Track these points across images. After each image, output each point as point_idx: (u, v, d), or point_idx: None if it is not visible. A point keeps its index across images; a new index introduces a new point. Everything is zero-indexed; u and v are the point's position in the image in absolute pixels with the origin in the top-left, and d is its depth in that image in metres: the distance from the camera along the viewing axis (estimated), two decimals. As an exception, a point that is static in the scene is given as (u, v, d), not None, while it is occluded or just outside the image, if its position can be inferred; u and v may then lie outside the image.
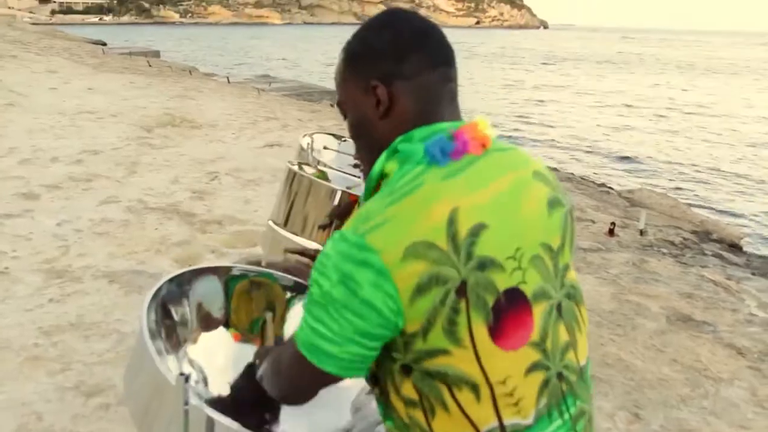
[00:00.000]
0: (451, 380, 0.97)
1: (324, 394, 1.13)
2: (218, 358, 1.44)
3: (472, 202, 0.98)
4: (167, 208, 5.55)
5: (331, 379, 1.03)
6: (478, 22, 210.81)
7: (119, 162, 7.01)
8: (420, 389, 0.99)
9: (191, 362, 1.35)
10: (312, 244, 2.87)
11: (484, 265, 0.96)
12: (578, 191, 8.34)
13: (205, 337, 1.44)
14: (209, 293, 1.46)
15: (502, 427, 0.99)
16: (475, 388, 0.97)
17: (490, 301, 0.96)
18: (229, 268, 1.51)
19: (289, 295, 1.59)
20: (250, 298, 1.53)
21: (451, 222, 0.95)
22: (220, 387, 1.38)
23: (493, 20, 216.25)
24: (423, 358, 0.97)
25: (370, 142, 1.11)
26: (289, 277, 1.62)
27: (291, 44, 56.35)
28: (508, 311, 0.98)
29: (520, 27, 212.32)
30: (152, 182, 6.31)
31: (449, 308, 0.94)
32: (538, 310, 1.01)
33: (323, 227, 2.93)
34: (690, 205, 9.09)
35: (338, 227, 2.95)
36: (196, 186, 6.30)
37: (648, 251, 5.85)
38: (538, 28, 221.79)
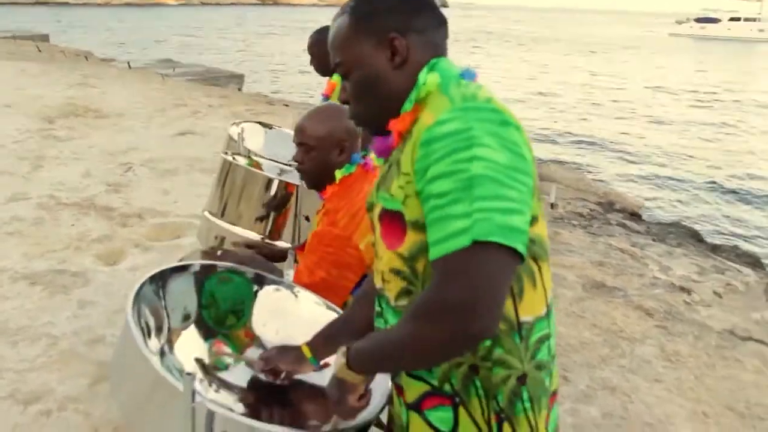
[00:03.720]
0: (538, 251, 1.10)
1: None
2: (194, 354, 1.47)
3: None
4: (82, 203, 5.34)
5: (510, 275, 0.99)
6: None
7: (23, 156, 6.64)
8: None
9: (173, 359, 1.38)
10: (248, 234, 2.90)
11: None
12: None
13: (180, 334, 1.47)
14: (182, 291, 1.49)
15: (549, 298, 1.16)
16: (547, 259, 1.13)
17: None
18: (201, 266, 1.54)
19: (255, 288, 1.64)
20: (220, 294, 1.57)
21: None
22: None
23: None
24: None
25: (381, 94, 1.15)
26: (252, 270, 1.67)
27: (190, 27, 54.37)
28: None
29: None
30: (62, 176, 6.03)
31: (537, 175, 1.07)
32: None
33: (261, 218, 2.96)
34: (589, 174, 9.67)
35: (276, 217, 2.99)
36: (111, 178, 6.08)
37: (560, 223, 6.21)
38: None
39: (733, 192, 9.87)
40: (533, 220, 1.05)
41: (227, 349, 1.53)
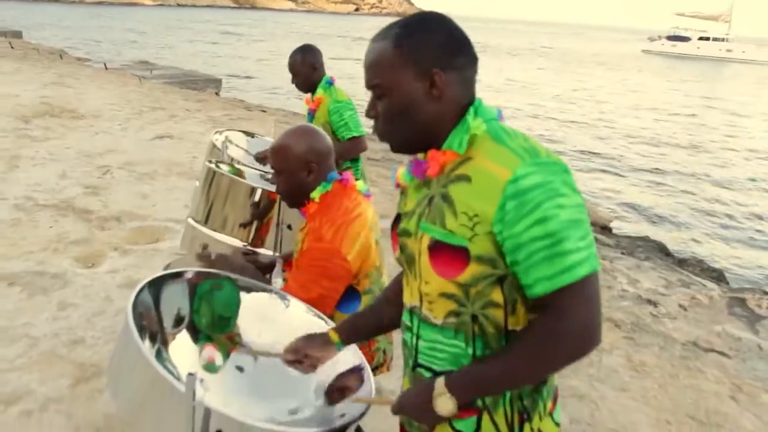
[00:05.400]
0: None
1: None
2: (186, 356, 1.54)
3: None
4: (60, 205, 5.33)
5: None
6: (357, 9, 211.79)
7: (-2, 156, 6.59)
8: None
9: (168, 361, 1.45)
10: (232, 240, 2.97)
11: None
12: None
13: (173, 337, 1.53)
14: (176, 297, 1.56)
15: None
16: None
17: None
18: (195, 273, 1.61)
19: (245, 295, 1.71)
20: (211, 300, 1.64)
21: None
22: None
23: (372, 7, 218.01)
24: None
25: (413, 121, 1.23)
26: (243, 278, 1.74)
27: (167, 27, 53.87)
28: None
29: (398, 14, 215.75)
30: (39, 177, 6.01)
31: None
32: None
33: (244, 225, 3.03)
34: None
35: (258, 225, 3.05)
36: (88, 180, 6.07)
37: (532, 235, 6.34)
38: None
39: (703, 209, 10.16)
40: None
41: (244, 349, 1.63)
